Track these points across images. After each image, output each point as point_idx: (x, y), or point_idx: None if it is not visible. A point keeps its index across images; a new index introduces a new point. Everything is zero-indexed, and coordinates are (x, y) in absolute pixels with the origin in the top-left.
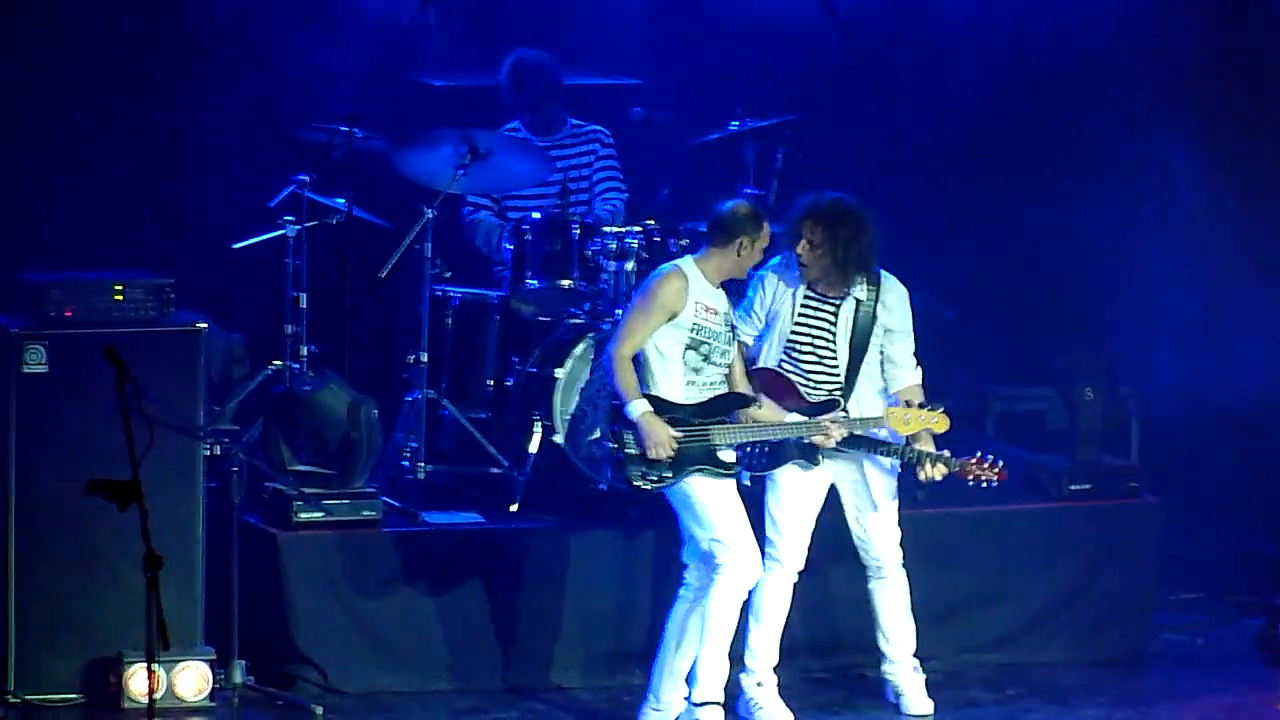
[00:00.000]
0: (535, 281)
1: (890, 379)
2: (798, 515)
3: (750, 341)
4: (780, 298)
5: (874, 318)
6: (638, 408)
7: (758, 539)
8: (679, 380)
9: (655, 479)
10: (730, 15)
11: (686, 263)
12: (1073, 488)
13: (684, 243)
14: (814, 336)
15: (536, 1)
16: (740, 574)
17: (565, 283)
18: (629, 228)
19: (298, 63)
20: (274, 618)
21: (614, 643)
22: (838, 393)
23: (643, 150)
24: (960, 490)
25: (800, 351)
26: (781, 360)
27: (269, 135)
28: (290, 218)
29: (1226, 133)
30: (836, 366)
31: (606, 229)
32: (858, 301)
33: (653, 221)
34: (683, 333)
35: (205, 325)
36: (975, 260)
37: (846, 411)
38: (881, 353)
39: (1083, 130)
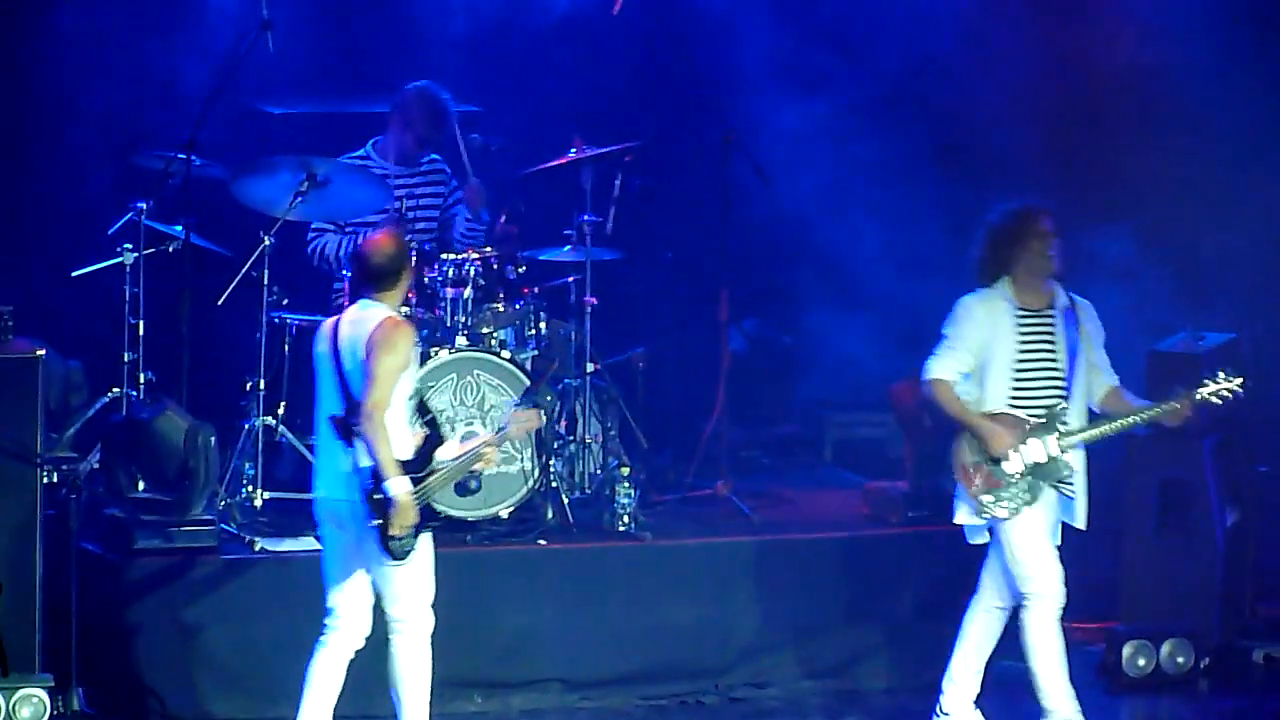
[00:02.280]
0: None
1: (1098, 385)
2: (1045, 545)
3: (958, 378)
4: (994, 321)
5: (1079, 322)
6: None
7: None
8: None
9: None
10: (569, 45)
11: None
12: (911, 514)
13: (521, 269)
14: (1038, 351)
15: (374, 30)
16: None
17: (405, 310)
18: (466, 256)
19: (136, 90)
20: (113, 645)
21: (449, 667)
22: (1060, 405)
23: (480, 177)
24: (797, 519)
25: (1026, 370)
26: (1013, 382)
27: (107, 162)
28: (128, 245)
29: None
30: (1061, 377)
31: (445, 256)
32: (1065, 308)
33: (491, 249)
34: (410, 384)
35: (43, 352)
36: (817, 285)
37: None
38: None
39: (903, 155)
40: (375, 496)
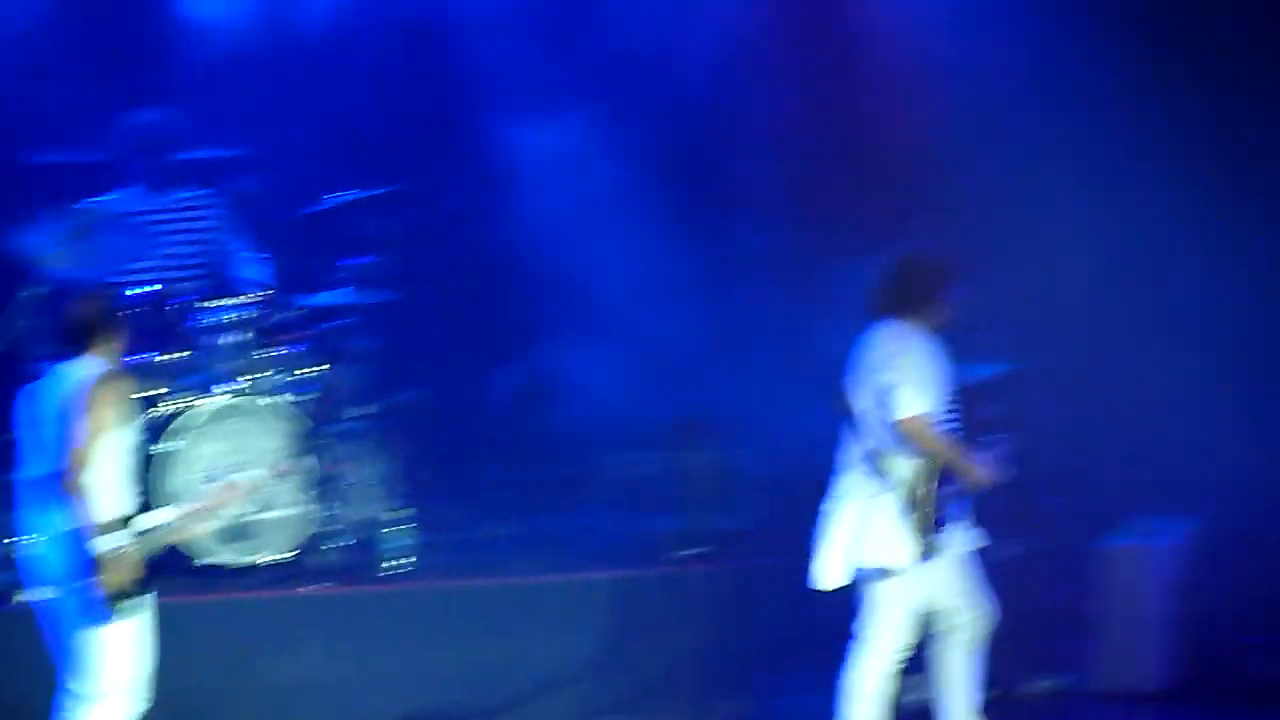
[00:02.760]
0: (144, 355)
1: None
2: None
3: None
4: (935, 356)
5: None
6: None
7: None
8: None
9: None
10: (338, 90)
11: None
12: (684, 551)
13: (296, 313)
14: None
15: (141, 77)
16: None
17: (168, 356)
18: (240, 299)
19: None
20: None
21: (222, 713)
22: None
23: (250, 221)
24: (571, 558)
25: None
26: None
27: None
28: None
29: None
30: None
31: (212, 303)
32: None
33: (261, 293)
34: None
35: None
36: (585, 325)
37: None
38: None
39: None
40: (83, 556)
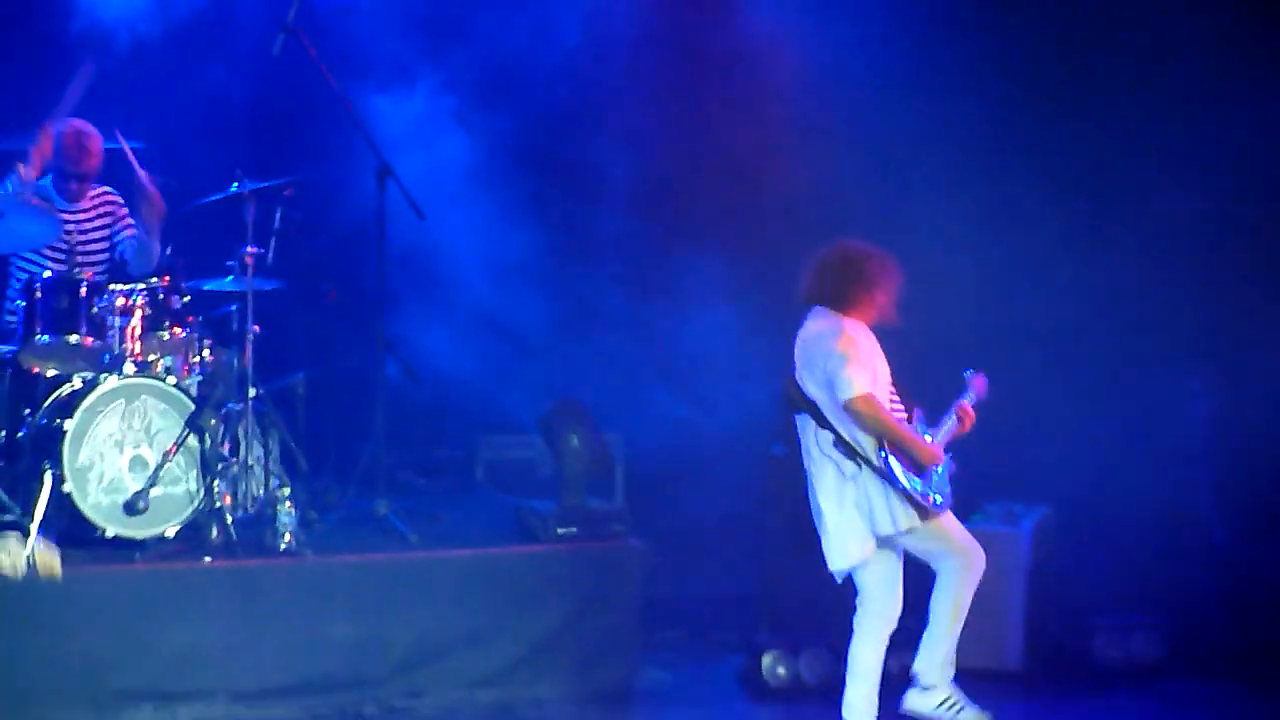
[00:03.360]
0: (46, 337)
1: None
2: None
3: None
4: (873, 344)
5: None
6: None
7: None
8: None
9: None
10: (228, 81)
11: None
12: (560, 530)
13: (186, 299)
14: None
15: (49, 69)
16: None
17: (74, 338)
18: (133, 286)
19: None
20: None
21: (120, 679)
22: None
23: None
24: (452, 536)
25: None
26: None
27: None
28: None
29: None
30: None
31: (113, 287)
32: None
33: (157, 280)
34: None
35: None
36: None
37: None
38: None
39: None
40: None
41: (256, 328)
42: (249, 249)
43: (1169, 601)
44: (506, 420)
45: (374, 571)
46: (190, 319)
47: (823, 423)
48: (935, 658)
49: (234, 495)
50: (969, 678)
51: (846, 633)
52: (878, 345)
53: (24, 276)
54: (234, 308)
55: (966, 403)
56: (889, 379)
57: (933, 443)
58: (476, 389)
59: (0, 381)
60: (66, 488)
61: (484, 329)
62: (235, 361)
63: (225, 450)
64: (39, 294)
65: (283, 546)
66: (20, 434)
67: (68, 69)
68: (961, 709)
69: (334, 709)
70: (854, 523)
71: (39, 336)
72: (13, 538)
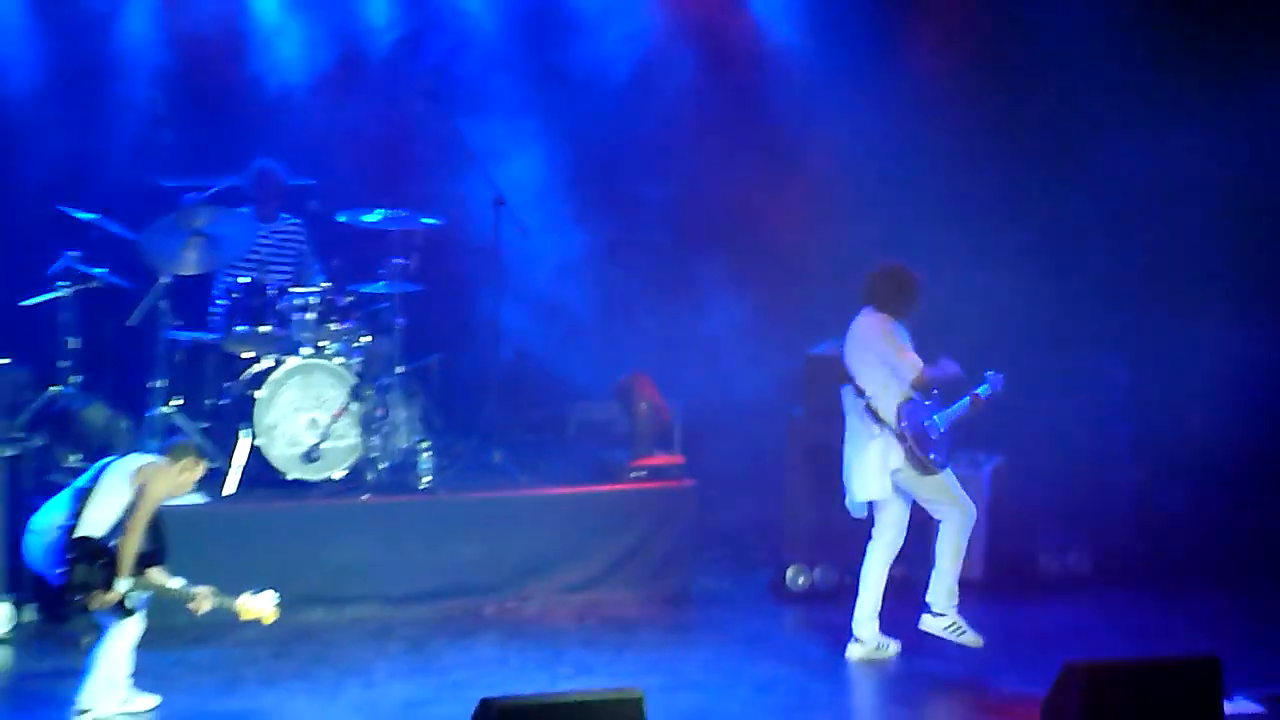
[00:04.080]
0: (243, 327)
1: None
2: None
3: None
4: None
5: None
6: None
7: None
8: None
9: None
10: (375, 135)
11: None
12: (632, 474)
13: (350, 299)
14: None
15: (240, 125)
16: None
17: (264, 328)
18: (308, 289)
19: (70, 167)
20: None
21: (299, 588)
22: None
23: (319, 231)
24: (550, 478)
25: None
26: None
27: (49, 220)
28: (64, 282)
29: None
30: None
31: (293, 289)
32: None
33: (327, 284)
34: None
35: (6, 360)
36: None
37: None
38: None
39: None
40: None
41: (403, 320)
42: (396, 260)
43: (1096, 528)
44: (591, 389)
45: (491, 505)
46: (353, 313)
47: (859, 393)
48: (941, 589)
49: (385, 448)
50: None
51: (852, 553)
52: (905, 332)
53: (226, 281)
54: (385, 305)
55: (980, 394)
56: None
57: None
58: (568, 365)
59: (207, 362)
60: (258, 442)
61: (572, 318)
62: (386, 346)
63: (379, 413)
64: (237, 295)
65: (422, 486)
66: (223, 402)
67: (253, 117)
68: (964, 632)
69: (461, 610)
70: (875, 468)
71: (237, 327)
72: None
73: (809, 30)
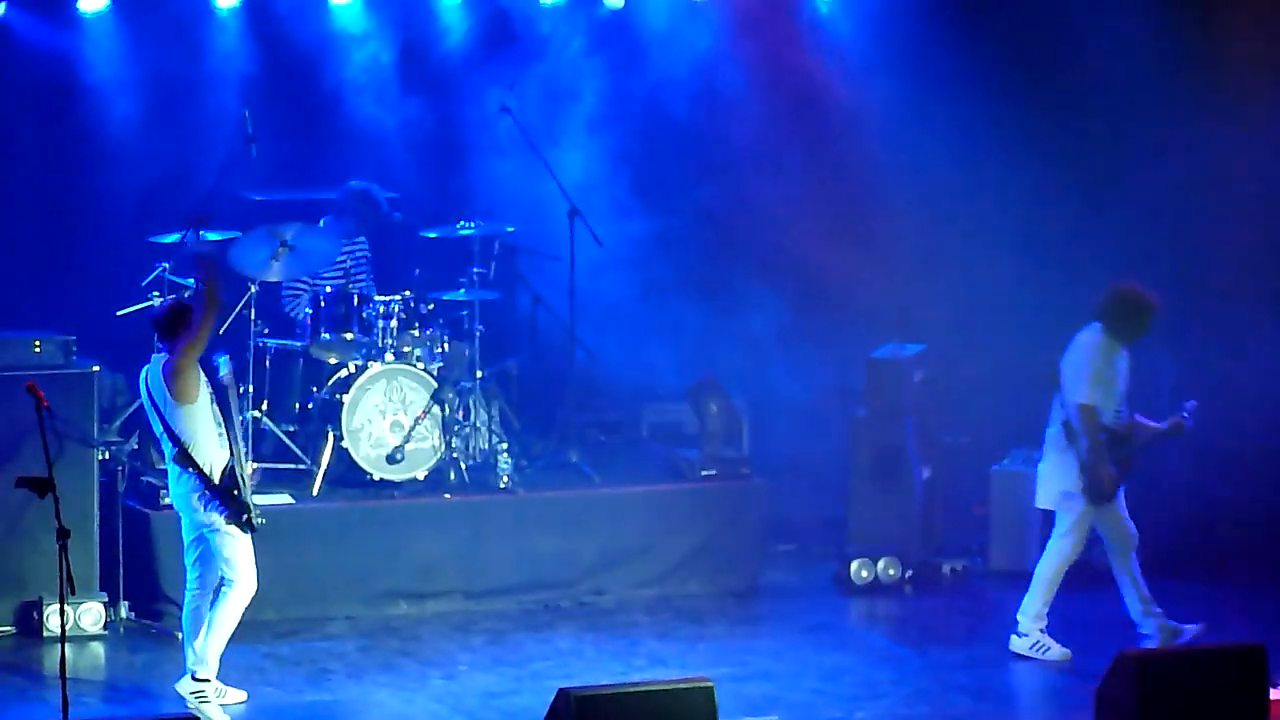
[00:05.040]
0: (329, 335)
1: None
2: None
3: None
4: (1119, 363)
5: None
6: None
7: None
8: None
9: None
10: (459, 146)
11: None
12: (703, 473)
13: (431, 306)
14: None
15: (322, 141)
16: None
17: (348, 335)
18: (391, 297)
19: (161, 182)
20: (147, 571)
21: (384, 582)
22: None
23: (402, 240)
24: (624, 476)
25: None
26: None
27: (138, 235)
28: (157, 292)
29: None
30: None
31: (376, 298)
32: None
33: (409, 292)
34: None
35: (98, 368)
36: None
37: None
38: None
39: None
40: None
41: (482, 327)
42: (475, 269)
43: (1147, 521)
44: (663, 391)
45: (567, 503)
46: (433, 321)
47: (1063, 404)
48: (1030, 610)
49: (466, 448)
50: (1002, 578)
51: (912, 544)
52: (1125, 358)
53: (313, 290)
54: (465, 312)
55: (1181, 421)
56: (1123, 388)
57: (1108, 467)
58: (640, 369)
59: (295, 367)
60: (344, 444)
61: (644, 324)
62: (467, 351)
63: (460, 416)
64: (323, 303)
65: (502, 485)
66: (310, 405)
67: (327, 132)
68: (1049, 649)
69: (539, 603)
70: (1060, 478)
71: (323, 334)
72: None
73: (863, 36)
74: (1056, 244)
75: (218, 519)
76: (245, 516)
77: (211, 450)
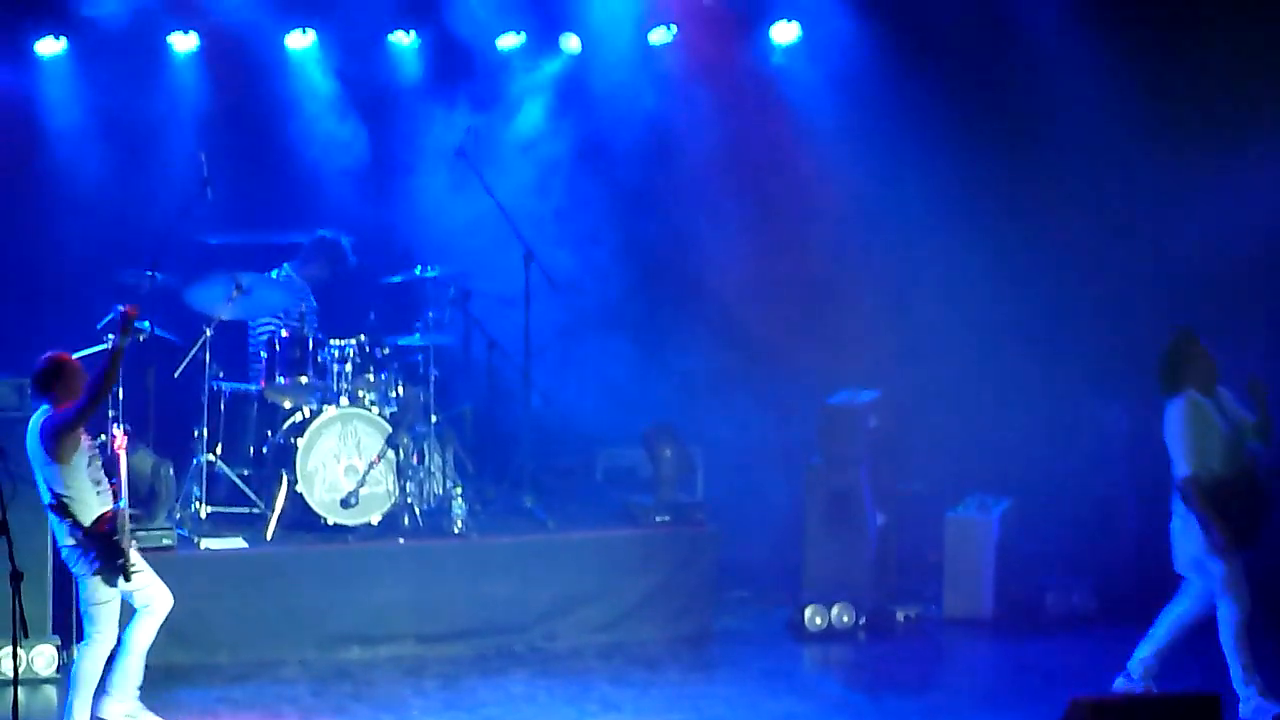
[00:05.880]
0: (283, 378)
1: None
2: None
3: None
4: (1206, 417)
5: None
6: None
7: None
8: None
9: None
10: (406, 193)
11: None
12: (657, 518)
13: (385, 351)
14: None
15: (281, 187)
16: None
17: (303, 379)
18: (346, 341)
19: (118, 224)
20: None
21: (336, 626)
22: None
23: (357, 284)
24: (577, 521)
25: None
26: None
27: (96, 276)
28: (112, 335)
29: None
30: None
31: (331, 342)
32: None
33: (364, 336)
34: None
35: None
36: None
37: None
38: None
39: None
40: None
41: (436, 371)
42: (430, 313)
43: (1099, 568)
44: (617, 436)
45: (521, 547)
46: (388, 365)
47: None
48: (1237, 678)
49: (420, 493)
50: (956, 625)
51: (865, 590)
52: (1215, 407)
53: (267, 334)
54: (420, 356)
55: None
56: (1224, 429)
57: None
58: (594, 414)
59: (250, 410)
60: (298, 488)
61: (598, 368)
62: (421, 395)
63: (414, 460)
64: (278, 347)
65: (456, 530)
66: (265, 449)
67: (281, 174)
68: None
69: (493, 648)
70: (1189, 542)
71: (279, 378)
72: None
73: (826, 76)
74: (1012, 293)
75: (86, 570)
76: (120, 562)
77: (89, 502)
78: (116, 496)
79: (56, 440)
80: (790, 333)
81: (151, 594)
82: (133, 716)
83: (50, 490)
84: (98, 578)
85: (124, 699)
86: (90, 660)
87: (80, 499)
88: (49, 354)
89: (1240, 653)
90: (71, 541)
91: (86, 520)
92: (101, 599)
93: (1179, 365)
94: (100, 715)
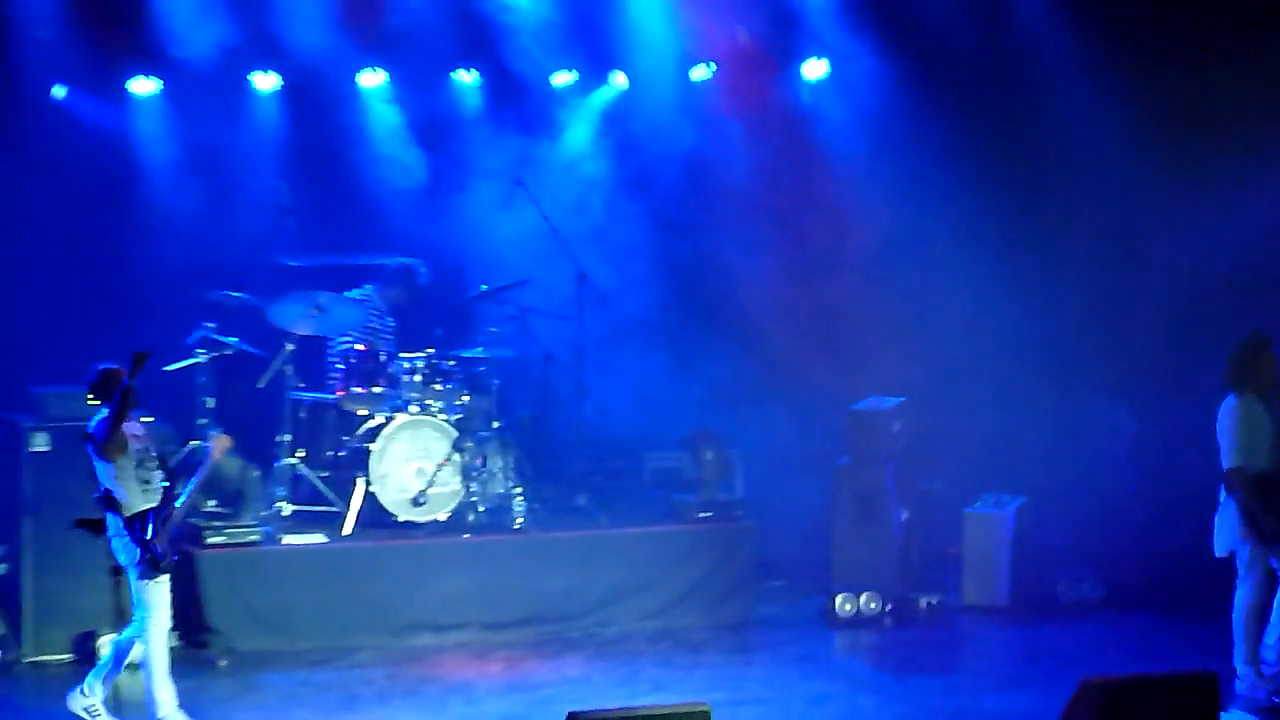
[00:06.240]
0: (359, 389)
1: None
2: None
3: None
4: (1259, 418)
5: None
6: None
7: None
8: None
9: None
10: (476, 215)
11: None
12: (700, 515)
13: (452, 363)
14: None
15: (353, 213)
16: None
17: (377, 389)
18: (416, 354)
19: (207, 248)
20: (194, 603)
21: (407, 615)
22: None
23: (427, 302)
24: (627, 518)
25: None
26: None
27: (187, 296)
28: (202, 350)
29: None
30: None
31: (401, 355)
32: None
33: (432, 350)
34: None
35: (152, 418)
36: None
37: None
38: None
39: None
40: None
41: (498, 381)
42: (492, 328)
43: (1108, 559)
44: (663, 440)
45: (576, 542)
46: (454, 376)
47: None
48: (1240, 657)
49: (484, 492)
50: (974, 612)
51: (891, 580)
52: (1266, 411)
53: (344, 348)
54: (483, 368)
55: None
56: (1270, 429)
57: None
58: (643, 419)
59: (328, 418)
60: (373, 488)
61: (647, 377)
62: (484, 404)
63: (478, 463)
64: (354, 360)
65: (516, 526)
66: (342, 453)
67: (355, 201)
68: (1257, 684)
69: (550, 635)
70: (1228, 527)
71: (354, 388)
72: None
73: (851, 108)
74: (1025, 308)
75: (129, 559)
76: (149, 556)
77: (133, 498)
78: (168, 498)
79: (100, 440)
80: (814, 347)
81: (157, 614)
82: (94, 713)
83: (101, 484)
84: (141, 568)
85: (91, 696)
86: (154, 646)
87: (125, 494)
88: (99, 366)
89: (1247, 636)
90: (116, 532)
91: (128, 514)
92: (145, 591)
93: (1245, 364)
94: (70, 706)
